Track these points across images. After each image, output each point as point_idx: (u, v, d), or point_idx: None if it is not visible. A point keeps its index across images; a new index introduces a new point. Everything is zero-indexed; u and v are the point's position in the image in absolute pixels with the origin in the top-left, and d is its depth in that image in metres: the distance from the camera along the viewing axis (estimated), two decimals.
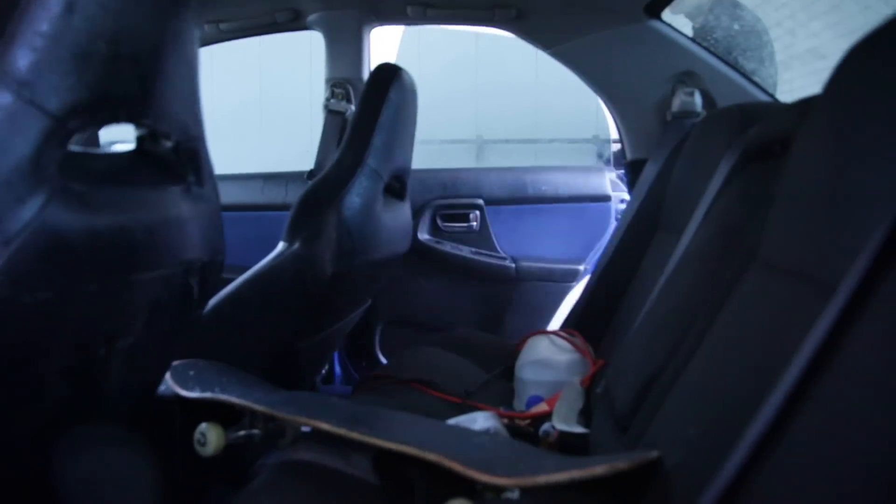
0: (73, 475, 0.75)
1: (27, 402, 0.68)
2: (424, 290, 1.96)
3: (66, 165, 0.61)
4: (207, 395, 0.89)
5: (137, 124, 0.73)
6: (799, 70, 2.02)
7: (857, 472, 0.40)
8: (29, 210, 0.57)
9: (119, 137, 0.85)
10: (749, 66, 2.12)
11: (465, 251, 1.95)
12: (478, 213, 1.96)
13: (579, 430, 1.05)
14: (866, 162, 0.56)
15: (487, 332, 1.86)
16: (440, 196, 1.96)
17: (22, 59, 0.56)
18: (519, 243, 1.96)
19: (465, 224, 1.96)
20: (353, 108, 1.84)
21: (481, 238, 1.95)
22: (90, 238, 0.64)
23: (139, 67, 0.68)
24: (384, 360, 1.95)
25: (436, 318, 1.98)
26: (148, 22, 0.68)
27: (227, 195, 1.40)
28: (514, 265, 1.95)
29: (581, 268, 1.98)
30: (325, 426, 0.82)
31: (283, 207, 1.82)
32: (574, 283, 1.97)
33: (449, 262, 1.95)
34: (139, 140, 0.76)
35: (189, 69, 0.75)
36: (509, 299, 1.97)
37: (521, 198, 1.97)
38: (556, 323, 1.94)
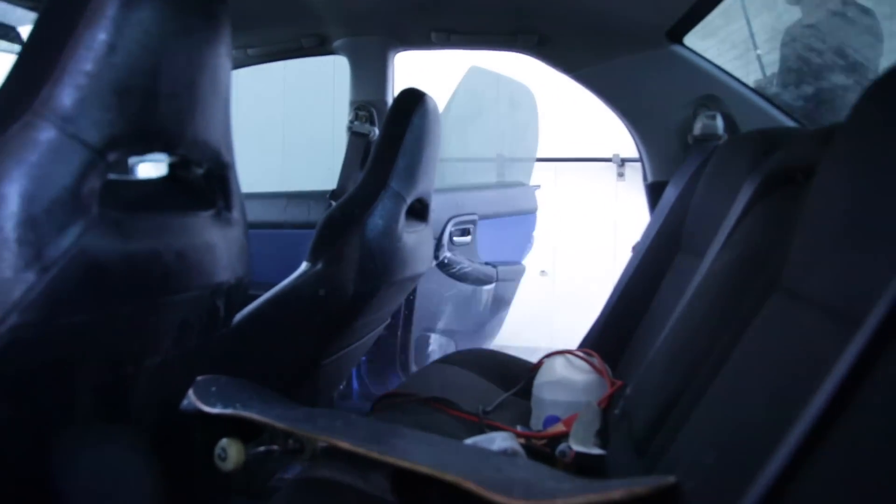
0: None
1: (57, 415, 0.70)
2: (446, 299, 2.11)
3: (103, 194, 0.63)
4: (229, 410, 0.90)
5: (171, 153, 0.75)
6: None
7: None
8: (68, 238, 0.59)
9: (147, 157, 0.88)
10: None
11: (472, 262, 2.14)
12: (472, 227, 2.15)
13: (596, 451, 1.04)
14: (890, 195, 0.55)
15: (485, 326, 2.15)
16: (456, 214, 2.06)
17: (66, 97, 0.59)
18: (487, 250, 2.23)
19: (468, 238, 2.14)
20: (376, 130, 1.87)
21: (471, 249, 2.16)
22: (125, 263, 0.67)
23: (175, 101, 0.70)
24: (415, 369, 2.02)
25: (455, 323, 2.19)
26: (185, 58, 0.70)
27: (252, 213, 1.43)
28: (495, 269, 2.21)
29: (524, 265, 2.42)
30: (344, 444, 0.82)
31: (306, 226, 1.86)
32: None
33: (464, 273, 2.09)
34: (171, 167, 0.79)
35: (222, 99, 0.77)
36: (494, 297, 2.27)
37: (494, 213, 2.26)
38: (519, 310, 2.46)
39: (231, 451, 0.88)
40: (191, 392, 0.94)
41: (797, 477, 0.46)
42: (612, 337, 1.55)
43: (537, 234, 2.50)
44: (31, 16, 1.66)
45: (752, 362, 0.73)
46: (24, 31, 1.70)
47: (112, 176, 0.67)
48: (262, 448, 0.92)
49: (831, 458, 0.44)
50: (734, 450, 0.63)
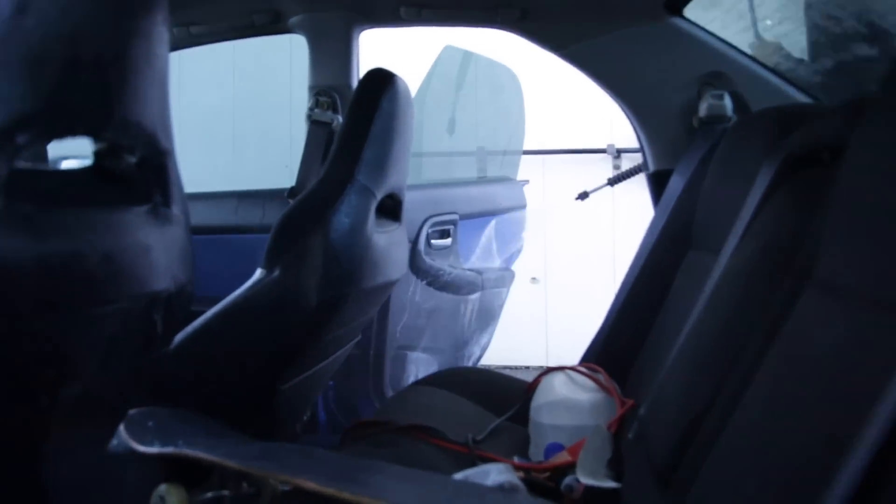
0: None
1: None
2: (425, 312, 2.06)
3: (11, 184, 0.59)
4: (169, 449, 0.84)
5: (97, 137, 0.72)
6: None
7: None
8: None
9: (72, 152, 0.83)
10: None
11: (454, 267, 2.10)
12: (453, 227, 2.12)
13: (609, 484, 1.01)
14: None
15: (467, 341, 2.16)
16: (433, 214, 2.04)
17: None
18: (470, 253, 2.21)
19: (448, 240, 2.10)
20: (340, 118, 1.84)
21: (452, 252, 2.12)
22: (38, 267, 0.62)
23: (101, 73, 0.67)
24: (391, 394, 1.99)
25: (437, 339, 2.13)
26: (112, 23, 0.67)
27: (198, 216, 1.37)
28: (480, 276, 2.18)
29: (514, 270, 2.40)
30: (310, 485, 0.77)
31: (261, 230, 1.81)
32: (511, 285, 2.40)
33: (445, 281, 2.05)
34: (98, 155, 0.75)
35: (158, 75, 0.74)
36: (480, 308, 2.23)
37: (477, 212, 2.22)
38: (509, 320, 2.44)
39: (171, 500, 0.83)
40: (122, 428, 0.88)
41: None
42: (618, 349, 1.54)
43: (527, 235, 2.48)
44: None
45: (792, 369, 0.71)
46: None
47: (26, 165, 0.62)
48: (209, 494, 0.86)
49: None
50: (783, 475, 0.60)
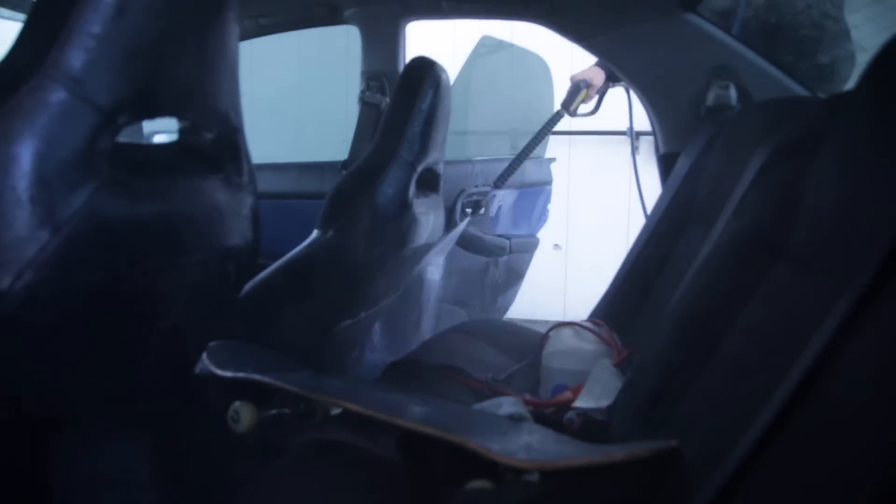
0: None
1: (72, 375, 0.72)
2: (458, 270, 2.11)
3: (114, 157, 0.64)
4: (241, 374, 0.91)
5: (181, 118, 0.76)
6: None
7: (857, 467, 0.40)
8: (79, 198, 0.60)
9: (161, 128, 0.88)
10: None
11: (486, 234, 2.14)
12: (485, 199, 2.13)
13: (601, 405, 1.04)
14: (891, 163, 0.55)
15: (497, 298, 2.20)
16: (468, 186, 2.06)
17: (76, 59, 0.59)
18: (501, 222, 2.24)
19: (481, 209, 2.12)
20: (387, 100, 1.86)
21: (485, 221, 2.15)
22: (134, 224, 0.68)
23: (183, 65, 0.70)
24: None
25: (468, 295, 2.18)
26: (192, 22, 0.71)
27: (264, 183, 1.43)
28: (508, 242, 2.21)
29: (539, 238, 2.41)
30: (352, 407, 0.84)
31: (318, 196, 1.86)
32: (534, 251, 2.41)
33: (477, 245, 2.10)
34: (181, 132, 0.79)
35: (230, 64, 0.78)
36: (507, 270, 2.28)
37: (505, 185, 2.19)
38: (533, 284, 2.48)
39: (244, 414, 0.90)
40: (204, 356, 0.95)
41: (777, 440, 0.47)
42: (621, 307, 1.55)
43: (552, 207, 2.49)
44: None
45: (752, 330, 0.74)
46: None
47: (125, 141, 0.68)
48: (273, 411, 0.93)
49: (812, 418, 0.45)
50: (729, 413, 0.64)
